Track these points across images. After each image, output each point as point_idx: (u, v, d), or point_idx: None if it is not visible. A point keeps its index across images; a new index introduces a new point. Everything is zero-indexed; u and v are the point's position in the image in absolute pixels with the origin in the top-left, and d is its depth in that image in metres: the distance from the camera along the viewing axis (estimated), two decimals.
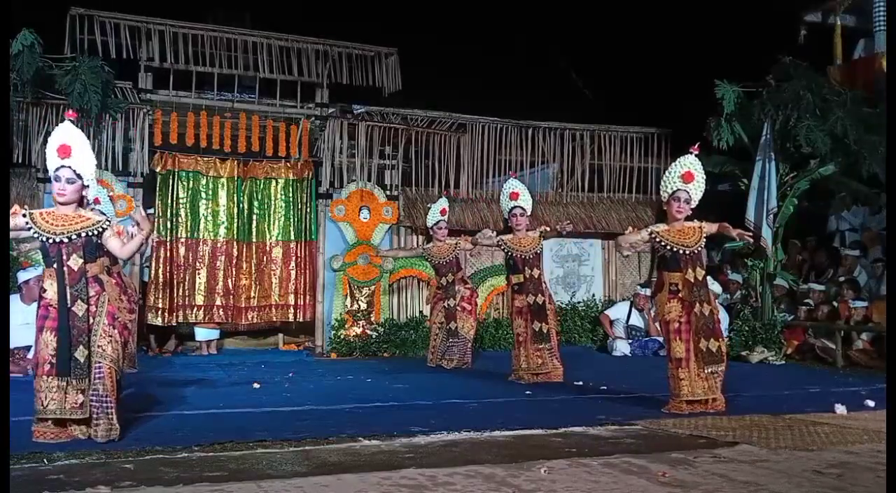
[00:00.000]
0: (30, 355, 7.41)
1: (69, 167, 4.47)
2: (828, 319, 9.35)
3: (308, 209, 10.28)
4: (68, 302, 4.46)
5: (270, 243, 10.19)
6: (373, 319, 9.84)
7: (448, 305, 8.30)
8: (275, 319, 10.24)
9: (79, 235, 4.49)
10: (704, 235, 5.67)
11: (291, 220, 10.23)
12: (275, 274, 10.15)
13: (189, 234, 9.79)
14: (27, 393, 6.11)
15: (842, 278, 9.83)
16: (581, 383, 7.13)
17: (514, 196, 7.29)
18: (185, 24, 9.66)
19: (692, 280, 5.58)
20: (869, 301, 9.09)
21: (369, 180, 10.17)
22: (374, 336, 9.71)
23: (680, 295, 5.61)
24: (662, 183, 5.83)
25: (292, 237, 10.23)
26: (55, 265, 4.49)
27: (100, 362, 4.48)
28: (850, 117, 9.35)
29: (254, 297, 10.05)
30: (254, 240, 10.13)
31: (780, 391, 6.72)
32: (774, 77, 9.76)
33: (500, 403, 6.05)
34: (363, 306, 9.86)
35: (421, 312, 10.13)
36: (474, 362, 8.48)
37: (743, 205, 9.60)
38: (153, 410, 5.46)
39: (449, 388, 6.78)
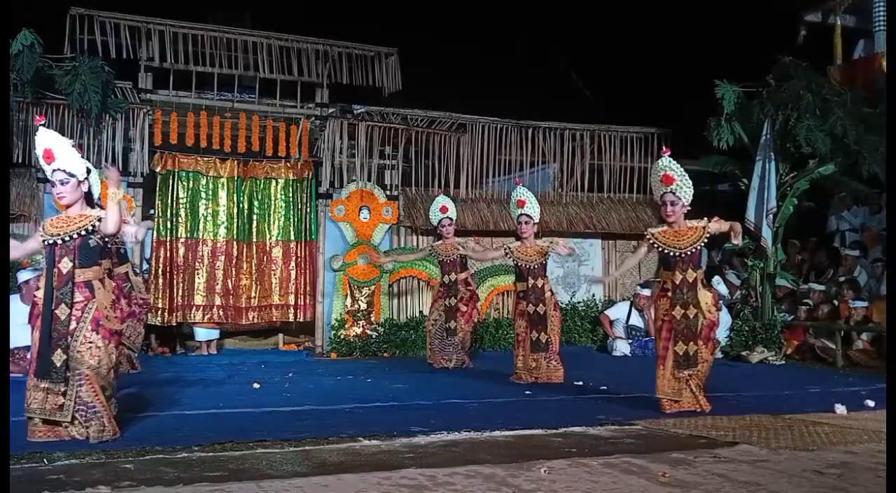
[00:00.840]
0: (30, 355, 7.42)
1: (59, 169, 4.48)
2: (828, 319, 9.35)
3: (308, 209, 10.28)
4: (52, 305, 4.45)
5: (270, 243, 10.19)
6: (373, 319, 9.84)
7: (448, 303, 8.31)
8: (275, 319, 10.24)
9: (72, 237, 4.47)
10: (708, 234, 5.61)
11: (291, 220, 10.23)
12: (275, 274, 10.15)
13: (189, 234, 9.79)
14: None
15: (842, 278, 9.82)
16: (581, 383, 7.13)
17: (520, 204, 7.32)
18: (185, 24, 9.66)
19: (679, 282, 5.55)
20: (869, 301, 9.10)
21: (369, 180, 10.17)
22: (374, 336, 9.71)
23: (668, 295, 5.60)
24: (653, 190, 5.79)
25: (292, 237, 10.23)
26: (48, 267, 4.50)
27: (78, 369, 4.43)
28: (850, 117, 9.35)
29: (254, 297, 10.05)
30: (254, 240, 10.13)
31: (780, 391, 6.72)
32: (774, 77, 9.76)
33: (500, 403, 6.05)
34: (363, 306, 9.85)
35: (421, 312, 10.12)
36: (473, 361, 8.47)
37: (743, 205, 9.60)
38: (153, 410, 5.46)
39: (449, 388, 6.78)
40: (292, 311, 10.16)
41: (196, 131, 9.54)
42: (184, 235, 9.76)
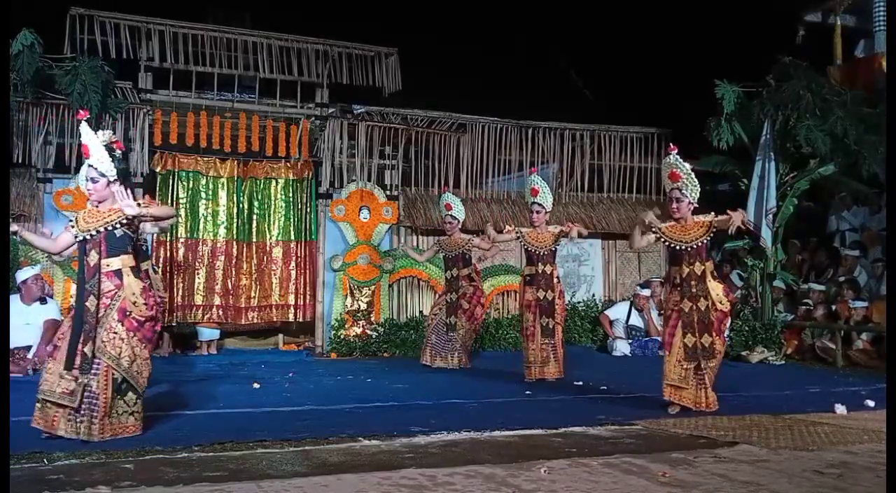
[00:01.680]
0: (30, 355, 7.43)
1: (92, 166, 4.61)
2: (825, 320, 9.35)
3: (308, 209, 10.28)
4: (83, 298, 4.51)
5: (270, 243, 10.19)
6: (373, 319, 9.84)
7: (450, 298, 8.30)
8: (275, 319, 10.24)
9: (98, 231, 4.55)
10: (714, 228, 5.67)
11: (291, 220, 10.24)
12: (275, 274, 10.15)
13: (189, 234, 9.80)
14: (27, 393, 6.12)
15: (842, 278, 9.82)
16: (581, 383, 7.13)
17: (533, 192, 7.40)
18: (185, 24, 9.65)
19: (686, 275, 5.64)
20: (869, 301, 9.10)
21: (369, 180, 10.17)
22: (374, 336, 9.71)
23: (678, 288, 5.69)
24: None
25: (292, 237, 10.24)
26: (78, 261, 4.62)
27: (98, 359, 4.48)
28: (850, 117, 9.35)
29: (254, 297, 10.06)
30: (254, 240, 10.14)
31: (780, 391, 6.72)
32: (774, 77, 9.76)
33: (500, 403, 6.05)
34: (363, 306, 9.85)
35: (421, 312, 10.12)
36: (471, 360, 8.44)
37: (743, 205, 9.59)
38: (153, 410, 5.44)
39: (449, 388, 6.77)
40: (292, 311, 10.16)
41: (196, 131, 9.54)
42: (184, 235, 9.77)
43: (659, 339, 9.98)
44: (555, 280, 7.34)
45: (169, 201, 9.65)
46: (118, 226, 4.57)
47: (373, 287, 9.91)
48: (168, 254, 9.65)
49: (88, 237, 4.57)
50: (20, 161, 8.99)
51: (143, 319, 4.59)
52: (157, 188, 9.63)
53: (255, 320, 10.14)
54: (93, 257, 4.55)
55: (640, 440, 4.66)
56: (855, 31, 11.30)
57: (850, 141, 9.33)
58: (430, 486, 3.56)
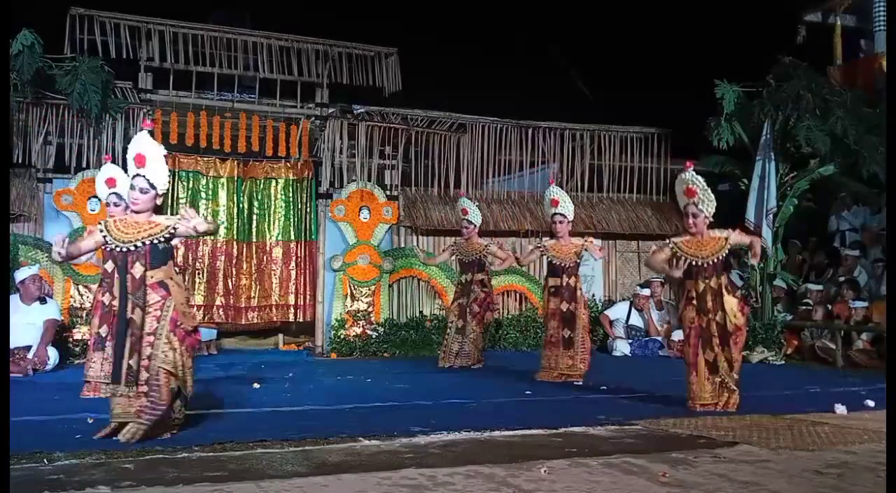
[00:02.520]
0: (30, 355, 7.43)
1: (143, 177, 4.54)
2: (823, 320, 9.34)
3: (308, 209, 10.28)
4: (128, 311, 4.49)
5: (270, 243, 10.20)
6: (373, 319, 9.84)
7: (461, 303, 8.32)
8: (275, 319, 10.25)
9: (143, 244, 4.51)
10: (729, 245, 5.71)
11: (291, 220, 10.24)
12: (275, 274, 10.16)
13: None
14: (27, 393, 6.13)
15: (842, 278, 9.82)
16: (581, 383, 7.14)
17: (554, 203, 7.41)
18: (185, 24, 9.65)
19: (702, 290, 5.67)
20: (869, 301, 9.09)
21: (369, 180, 10.18)
22: (374, 336, 9.71)
23: (693, 303, 5.71)
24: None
25: (292, 237, 10.24)
26: (119, 273, 4.55)
27: (158, 369, 4.46)
28: (850, 117, 9.36)
29: (254, 297, 10.07)
30: (254, 240, 10.14)
31: (780, 391, 6.72)
32: (774, 77, 9.77)
33: (500, 403, 6.05)
34: (363, 306, 9.85)
35: (421, 312, 10.13)
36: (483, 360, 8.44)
37: (743, 205, 9.60)
38: None
39: (449, 388, 6.77)
40: (292, 311, 10.17)
41: (196, 131, 9.53)
42: None
43: (659, 339, 10.01)
44: (578, 292, 7.38)
45: (169, 201, 9.65)
46: (162, 240, 4.54)
47: (373, 287, 9.91)
48: None
49: (132, 249, 4.51)
50: (20, 161, 8.99)
51: (192, 328, 4.60)
52: None
53: (255, 321, 10.14)
54: (137, 270, 4.49)
55: (640, 440, 4.66)
56: (855, 31, 11.29)
57: (850, 141, 9.33)
58: (430, 486, 3.56)
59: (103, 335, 5.59)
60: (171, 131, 9.53)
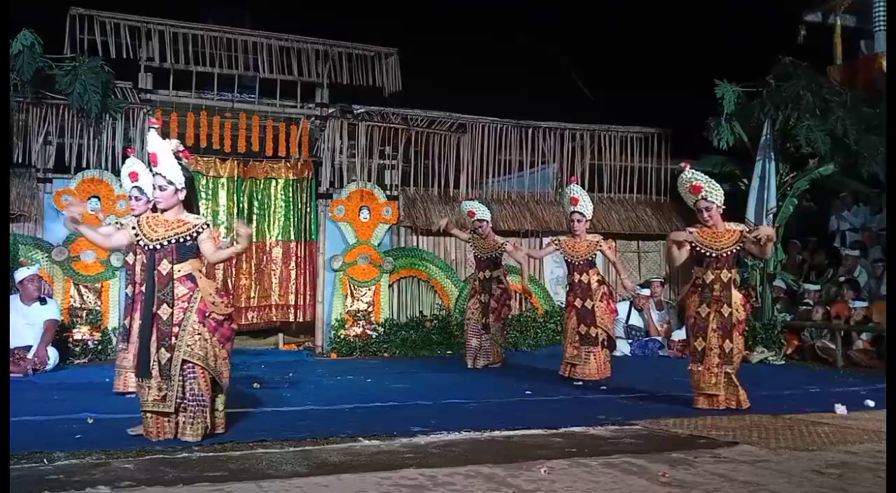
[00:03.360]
0: (30, 355, 7.43)
1: (159, 174, 4.59)
2: (823, 321, 9.33)
3: (308, 209, 10.28)
4: (154, 306, 4.53)
5: (270, 243, 10.20)
6: (373, 319, 9.83)
7: (482, 299, 8.34)
8: (275, 319, 10.24)
9: (170, 242, 4.56)
10: (744, 240, 5.75)
11: (291, 220, 10.24)
12: (275, 274, 10.16)
13: None
14: (27, 393, 6.12)
15: (842, 278, 9.82)
16: (581, 383, 7.14)
17: (573, 202, 7.52)
18: (184, 24, 9.64)
19: (710, 280, 5.75)
20: (869, 301, 9.09)
21: (369, 180, 10.17)
22: (374, 336, 9.71)
23: (698, 291, 5.80)
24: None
25: (292, 237, 10.24)
26: (147, 270, 4.62)
27: (190, 362, 4.49)
28: (850, 117, 9.36)
29: (254, 297, 10.06)
30: (254, 240, 10.13)
31: (780, 391, 6.72)
32: (774, 77, 9.77)
33: (500, 403, 6.05)
34: (363, 306, 9.85)
35: (421, 312, 10.12)
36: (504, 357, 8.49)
37: (743, 205, 9.60)
38: None
39: (449, 388, 6.78)
40: (292, 311, 10.16)
41: (196, 131, 9.53)
42: None
43: (659, 339, 10.01)
44: (593, 287, 7.45)
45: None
46: (189, 239, 4.59)
47: (373, 287, 9.90)
48: None
49: (159, 247, 4.57)
50: (20, 161, 8.98)
51: (222, 318, 4.62)
52: None
53: (255, 320, 10.14)
54: (164, 266, 4.55)
55: (640, 440, 4.66)
56: (855, 31, 11.28)
57: (850, 141, 9.33)
58: (430, 486, 3.56)
59: (127, 327, 5.75)
60: (171, 131, 9.51)
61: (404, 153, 10.53)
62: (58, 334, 7.98)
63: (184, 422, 4.49)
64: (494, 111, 10.98)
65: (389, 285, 10.08)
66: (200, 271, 4.64)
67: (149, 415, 4.51)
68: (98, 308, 8.69)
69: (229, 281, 9.89)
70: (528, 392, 6.56)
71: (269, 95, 10.03)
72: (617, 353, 9.77)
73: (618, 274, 7.90)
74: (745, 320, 5.98)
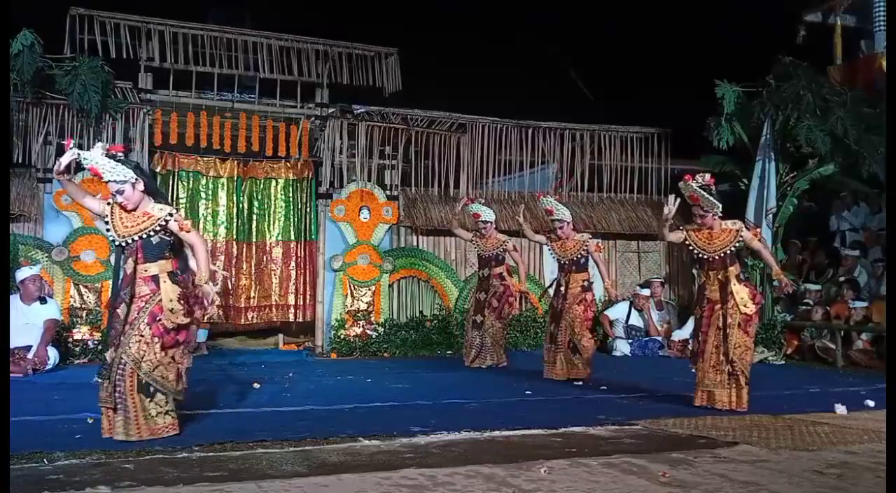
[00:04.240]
0: (30, 355, 7.43)
1: (111, 181, 4.57)
2: (823, 321, 9.33)
3: (308, 209, 10.28)
4: (116, 305, 4.55)
5: (270, 243, 10.19)
6: (373, 319, 9.83)
7: (479, 297, 8.37)
8: (275, 319, 10.24)
9: (134, 240, 4.55)
10: (738, 241, 5.80)
11: (291, 220, 10.24)
12: (275, 274, 10.15)
13: None
14: (27, 393, 6.12)
15: (842, 278, 9.82)
16: (581, 383, 7.14)
17: (549, 212, 7.71)
18: (185, 24, 9.64)
19: (710, 281, 5.83)
20: (869, 301, 9.09)
21: (369, 180, 10.17)
22: (374, 336, 9.71)
23: (704, 293, 5.89)
24: None
25: (292, 237, 10.24)
26: (115, 268, 4.66)
27: (123, 360, 4.50)
28: (850, 117, 9.36)
29: (253, 297, 10.06)
30: (254, 240, 10.13)
31: (780, 391, 6.72)
32: (774, 77, 9.76)
33: (500, 403, 6.05)
34: (363, 306, 9.85)
35: (421, 312, 10.12)
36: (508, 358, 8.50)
37: (743, 205, 9.60)
38: None
39: (449, 388, 6.78)
40: (292, 311, 10.16)
41: (196, 131, 9.53)
42: None
43: (659, 339, 10.01)
44: (573, 292, 7.47)
45: (169, 201, 9.62)
46: (153, 233, 4.56)
47: (373, 287, 9.90)
48: None
49: (125, 244, 4.56)
50: (20, 161, 8.98)
51: (172, 326, 4.57)
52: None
53: (255, 320, 10.14)
54: (129, 266, 4.54)
55: (640, 440, 4.66)
56: (855, 31, 11.29)
57: (850, 141, 9.33)
58: (430, 486, 3.56)
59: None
60: (171, 131, 9.52)
61: (404, 153, 10.52)
62: (58, 334, 7.98)
63: (118, 420, 4.47)
64: (494, 111, 10.98)
65: (389, 285, 10.08)
66: (168, 274, 4.59)
67: (103, 411, 4.54)
68: (98, 308, 8.68)
69: (229, 281, 9.89)
70: (528, 392, 6.56)
71: (269, 95, 10.03)
72: (617, 353, 9.83)
73: (602, 278, 7.80)
74: (757, 314, 5.90)
